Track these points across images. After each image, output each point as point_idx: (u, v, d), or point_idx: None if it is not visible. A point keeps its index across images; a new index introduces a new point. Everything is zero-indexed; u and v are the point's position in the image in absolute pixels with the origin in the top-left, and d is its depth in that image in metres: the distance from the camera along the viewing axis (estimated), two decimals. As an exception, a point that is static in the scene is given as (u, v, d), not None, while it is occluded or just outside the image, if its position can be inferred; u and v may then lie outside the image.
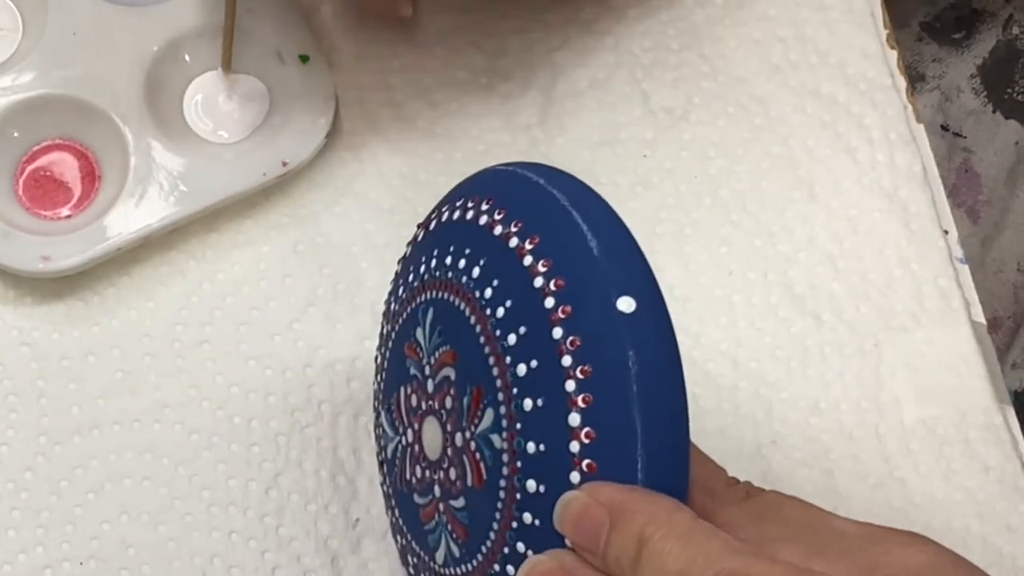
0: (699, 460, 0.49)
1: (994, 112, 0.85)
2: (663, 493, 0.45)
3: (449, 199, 0.54)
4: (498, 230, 0.49)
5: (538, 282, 0.47)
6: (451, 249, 0.51)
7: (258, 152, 0.63)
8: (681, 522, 0.44)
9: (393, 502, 0.56)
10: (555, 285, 0.46)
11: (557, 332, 0.46)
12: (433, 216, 0.54)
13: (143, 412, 0.61)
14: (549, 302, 0.46)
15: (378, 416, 0.57)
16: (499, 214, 0.49)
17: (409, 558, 0.55)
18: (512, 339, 0.47)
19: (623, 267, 0.46)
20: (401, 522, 0.55)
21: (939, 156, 0.67)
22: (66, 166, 0.64)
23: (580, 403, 0.45)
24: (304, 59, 0.64)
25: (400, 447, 0.54)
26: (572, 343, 0.45)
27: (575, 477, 0.45)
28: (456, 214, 0.52)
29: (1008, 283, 0.84)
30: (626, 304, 0.45)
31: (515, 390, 0.47)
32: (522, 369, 0.47)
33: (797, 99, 0.68)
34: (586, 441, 0.45)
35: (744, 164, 0.67)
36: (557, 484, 0.46)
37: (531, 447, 0.46)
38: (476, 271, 0.49)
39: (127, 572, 0.59)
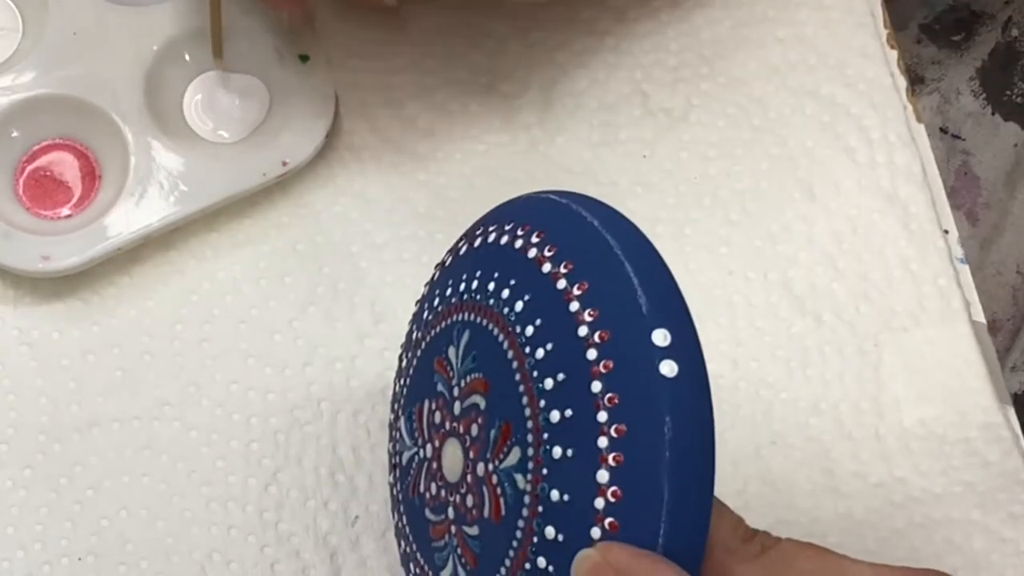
0: (717, 512, 0.48)
1: (993, 114, 0.85)
2: (681, 556, 0.45)
3: (497, 219, 0.52)
4: (547, 267, 0.48)
5: (583, 331, 0.46)
6: (495, 276, 0.50)
7: (258, 152, 0.63)
8: None
9: (402, 508, 0.56)
10: (599, 337, 0.46)
11: (596, 386, 0.45)
12: (479, 232, 0.53)
13: (142, 410, 0.61)
14: (591, 354, 0.46)
15: (397, 418, 0.57)
16: (549, 251, 0.48)
17: (411, 567, 0.55)
18: (549, 383, 0.47)
19: (671, 329, 0.45)
20: (408, 530, 0.55)
21: (938, 158, 0.67)
22: (66, 166, 0.64)
23: (611, 461, 0.45)
24: (304, 59, 0.64)
25: (417, 459, 0.54)
26: (610, 400, 0.45)
27: (596, 532, 0.45)
28: (504, 239, 0.51)
29: (1007, 285, 0.84)
30: (669, 368, 0.45)
31: (546, 435, 0.46)
32: (555, 416, 0.46)
33: (796, 100, 0.68)
34: (612, 500, 0.45)
35: (743, 164, 0.67)
36: (577, 536, 0.45)
37: (555, 495, 0.46)
38: (520, 305, 0.49)
39: (125, 568, 0.59)
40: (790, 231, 0.65)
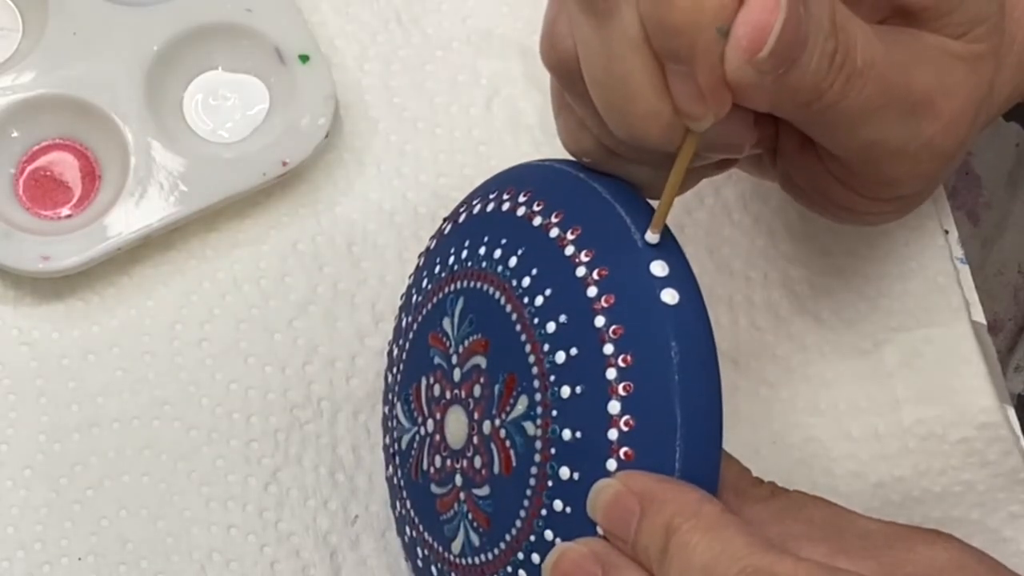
0: (726, 459, 0.49)
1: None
2: (696, 485, 0.45)
3: (481, 192, 0.54)
4: (537, 221, 0.49)
5: (580, 272, 0.47)
6: (485, 239, 0.51)
7: (258, 152, 0.63)
8: (709, 514, 0.44)
9: (404, 494, 0.56)
10: (598, 275, 0.47)
11: (599, 321, 0.46)
12: (462, 209, 0.54)
13: (142, 410, 0.61)
14: (591, 291, 0.47)
15: (392, 408, 0.57)
16: (538, 206, 0.50)
17: (419, 550, 0.55)
18: (551, 327, 0.48)
19: (667, 261, 0.47)
20: (412, 513, 0.55)
21: (939, 158, 0.67)
22: (66, 166, 0.64)
23: (621, 391, 0.46)
24: (304, 59, 0.64)
25: (417, 437, 0.54)
26: (615, 332, 0.46)
27: (612, 465, 0.46)
28: (490, 206, 0.52)
29: (1009, 285, 0.84)
30: (670, 296, 0.46)
31: (552, 377, 0.47)
32: (561, 357, 0.47)
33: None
34: (625, 429, 0.46)
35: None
36: (592, 471, 0.46)
37: (567, 434, 0.47)
38: (513, 260, 0.50)
39: (125, 567, 0.59)
40: (791, 230, 0.65)
